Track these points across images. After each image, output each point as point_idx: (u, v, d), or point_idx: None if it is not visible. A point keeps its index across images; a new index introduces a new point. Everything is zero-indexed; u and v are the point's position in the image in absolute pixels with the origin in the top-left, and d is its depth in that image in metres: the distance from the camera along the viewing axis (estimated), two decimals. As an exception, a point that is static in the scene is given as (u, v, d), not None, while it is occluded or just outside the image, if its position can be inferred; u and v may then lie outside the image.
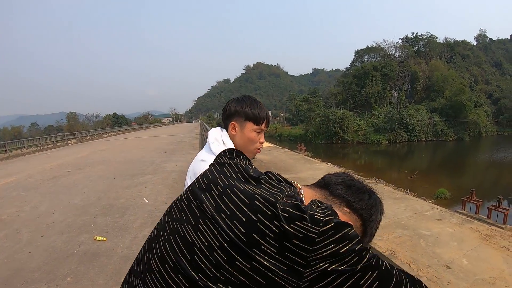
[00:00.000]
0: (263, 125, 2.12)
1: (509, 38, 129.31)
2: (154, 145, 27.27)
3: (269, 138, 60.05)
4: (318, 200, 0.97)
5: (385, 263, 0.88)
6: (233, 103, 2.11)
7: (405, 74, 77.69)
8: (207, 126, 20.22)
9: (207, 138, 2.09)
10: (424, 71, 78.68)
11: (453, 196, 21.38)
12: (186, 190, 1.12)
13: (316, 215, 0.87)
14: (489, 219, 16.11)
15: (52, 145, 39.55)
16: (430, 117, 64.29)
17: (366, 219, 1.09)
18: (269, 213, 0.89)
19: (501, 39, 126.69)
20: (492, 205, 17.88)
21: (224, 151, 1.24)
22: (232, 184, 1.03)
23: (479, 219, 16.20)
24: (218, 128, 2.13)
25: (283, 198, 0.94)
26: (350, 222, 0.93)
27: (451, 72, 76.51)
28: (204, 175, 1.12)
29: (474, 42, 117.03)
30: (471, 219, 7.76)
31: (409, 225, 6.61)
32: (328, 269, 0.82)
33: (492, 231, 6.47)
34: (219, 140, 2.03)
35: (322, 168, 13.90)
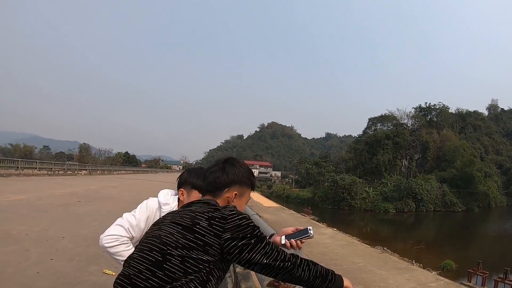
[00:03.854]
0: None
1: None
2: (162, 190, 27.19)
3: (277, 198, 59.57)
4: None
5: (271, 242, 1.73)
6: (185, 173, 2.74)
7: (416, 143, 78.00)
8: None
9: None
10: (435, 141, 79.14)
11: (460, 268, 21.17)
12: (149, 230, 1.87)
13: (229, 207, 1.73)
14: (495, 291, 15.96)
15: (62, 172, 40.77)
16: (439, 187, 63.96)
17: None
18: (201, 210, 1.72)
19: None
20: (499, 277, 17.81)
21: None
22: (176, 212, 1.85)
23: (485, 291, 15.95)
24: (172, 191, 2.77)
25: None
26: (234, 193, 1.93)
27: (462, 142, 77.13)
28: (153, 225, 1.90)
29: (486, 112, 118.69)
30: (476, 292, 7.81)
31: (413, 296, 6.28)
32: (234, 234, 1.62)
33: (497, 304, 6.53)
34: (168, 195, 2.70)
35: (327, 233, 13.80)
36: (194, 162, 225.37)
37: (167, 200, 2.60)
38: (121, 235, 2.31)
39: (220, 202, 1.86)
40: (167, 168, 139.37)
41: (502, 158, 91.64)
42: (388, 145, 73.69)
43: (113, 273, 6.32)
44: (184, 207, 1.84)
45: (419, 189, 60.55)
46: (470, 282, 17.74)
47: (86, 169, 49.02)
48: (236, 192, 1.94)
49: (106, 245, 2.26)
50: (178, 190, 2.68)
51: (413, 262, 18.09)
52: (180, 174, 2.78)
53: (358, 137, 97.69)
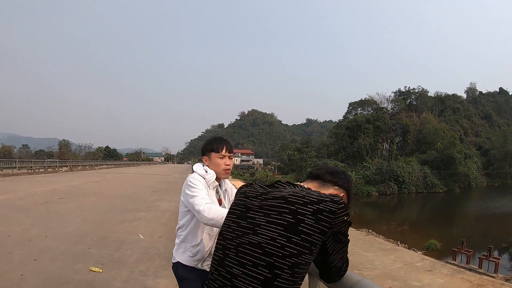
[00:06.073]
0: (223, 151, 2.85)
1: (498, 91, 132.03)
2: (146, 183, 27.33)
3: (261, 186, 59.87)
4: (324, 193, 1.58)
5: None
6: (208, 143, 2.95)
7: (396, 127, 79.05)
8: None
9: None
10: (415, 124, 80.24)
11: (444, 247, 21.41)
12: (231, 212, 1.74)
13: (335, 198, 1.46)
14: (480, 268, 15.93)
15: (43, 170, 39.99)
16: (420, 169, 64.89)
17: (349, 189, 1.85)
18: (302, 202, 1.45)
19: (490, 92, 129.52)
20: (483, 255, 17.75)
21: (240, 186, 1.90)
22: (263, 198, 1.61)
23: (470, 269, 16.10)
24: (200, 164, 2.92)
25: (304, 191, 1.53)
26: (341, 195, 1.72)
27: (442, 125, 78.35)
28: (237, 203, 1.74)
29: (464, 96, 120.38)
30: (462, 269, 7.70)
31: (399, 276, 6.47)
32: (340, 230, 1.47)
33: (484, 281, 6.39)
34: (201, 166, 2.84)
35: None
36: (176, 153, 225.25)
37: (205, 173, 2.78)
38: (208, 203, 2.48)
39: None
40: (149, 160, 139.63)
41: (481, 139, 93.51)
42: (368, 129, 74.52)
43: (100, 270, 6.09)
44: (270, 189, 1.68)
45: (400, 171, 61.40)
46: (455, 260, 17.85)
47: (67, 166, 48.49)
48: (343, 194, 1.80)
49: (209, 215, 2.39)
50: (203, 158, 2.96)
51: (398, 243, 18.30)
52: (203, 144, 3.02)
53: (339, 122, 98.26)
